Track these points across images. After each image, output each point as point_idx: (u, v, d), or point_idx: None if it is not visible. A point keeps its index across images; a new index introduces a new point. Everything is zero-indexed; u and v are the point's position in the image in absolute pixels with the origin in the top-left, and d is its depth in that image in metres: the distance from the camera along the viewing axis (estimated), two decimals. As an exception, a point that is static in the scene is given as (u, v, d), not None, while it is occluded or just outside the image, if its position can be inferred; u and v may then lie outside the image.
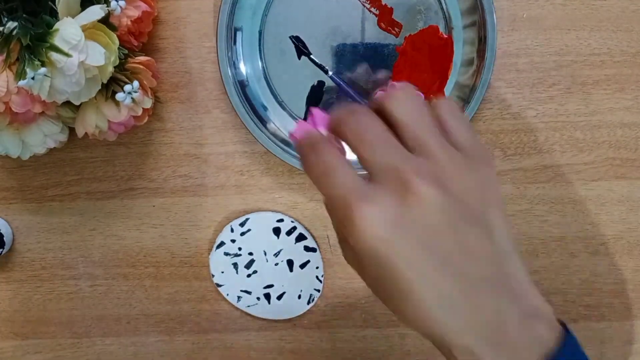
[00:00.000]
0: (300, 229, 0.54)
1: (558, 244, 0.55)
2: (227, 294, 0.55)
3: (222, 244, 0.54)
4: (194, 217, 0.55)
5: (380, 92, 0.32)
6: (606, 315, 0.56)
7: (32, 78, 0.39)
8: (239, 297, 0.55)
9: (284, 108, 0.51)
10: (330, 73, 0.49)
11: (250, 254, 0.54)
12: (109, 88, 0.45)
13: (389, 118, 0.31)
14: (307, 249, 0.54)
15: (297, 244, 0.54)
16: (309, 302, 0.55)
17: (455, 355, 0.30)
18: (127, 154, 0.53)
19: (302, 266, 0.54)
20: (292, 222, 0.54)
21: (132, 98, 0.44)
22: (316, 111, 0.32)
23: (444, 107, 0.31)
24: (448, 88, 0.50)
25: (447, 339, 0.29)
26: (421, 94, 0.31)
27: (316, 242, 0.54)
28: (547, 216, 0.54)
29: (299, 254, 0.54)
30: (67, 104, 0.46)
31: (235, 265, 0.54)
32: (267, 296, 0.55)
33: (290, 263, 0.54)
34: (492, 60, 0.48)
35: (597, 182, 0.54)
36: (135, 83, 0.44)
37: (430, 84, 0.50)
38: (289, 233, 0.54)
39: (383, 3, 0.49)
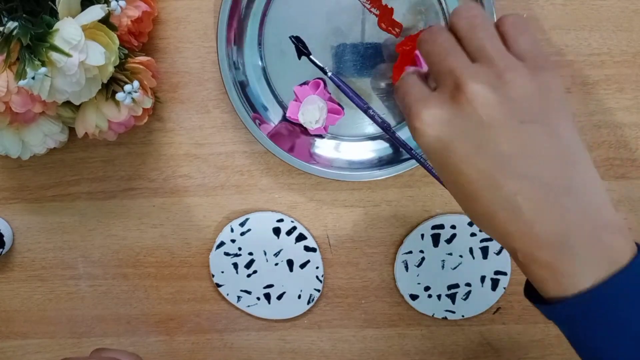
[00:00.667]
0: (300, 229, 0.54)
1: (558, 244, 0.55)
2: (227, 294, 0.55)
3: (222, 244, 0.54)
4: (194, 217, 0.55)
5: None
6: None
7: (33, 78, 0.39)
8: (239, 297, 0.55)
9: (284, 108, 0.51)
10: (329, 73, 0.49)
11: (250, 254, 0.54)
12: (109, 88, 0.45)
13: (456, 32, 0.32)
14: (307, 249, 0.54)
15: (297, 244, 0.54)
16: (309, 302, 0.55)
17: (519, 259, 0.29)
18: (127, 154, 0.53)
19: (302, 266, 0.54)
20: (292, 222, 0.54)
21: (132, 98, 0.44)
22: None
23: (507, 21, 0.32)
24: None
25: (510, 242, 0.29)
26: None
27: (316, 242, 0.54)
28: (547, 216, 0.54)
29: (299, 254, 0.54)
30: (67, 104, 0.46)
31: (235, 265, 0.54)
32: (267, 296, 0.55)
33: (290, 263, 0.54)
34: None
35: (597, 182, 0.54)
36: (136, 83, 0.44)
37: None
38: (289, 233, 0.54)
39: (383, 3, 0.49)
